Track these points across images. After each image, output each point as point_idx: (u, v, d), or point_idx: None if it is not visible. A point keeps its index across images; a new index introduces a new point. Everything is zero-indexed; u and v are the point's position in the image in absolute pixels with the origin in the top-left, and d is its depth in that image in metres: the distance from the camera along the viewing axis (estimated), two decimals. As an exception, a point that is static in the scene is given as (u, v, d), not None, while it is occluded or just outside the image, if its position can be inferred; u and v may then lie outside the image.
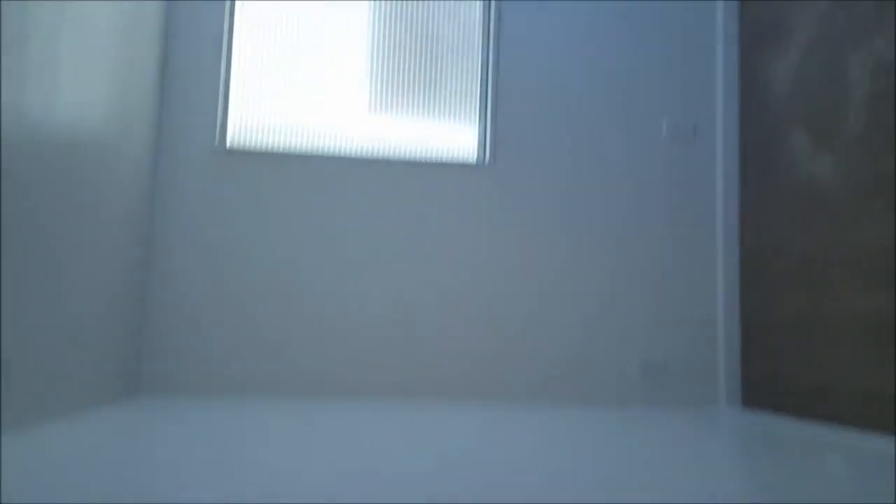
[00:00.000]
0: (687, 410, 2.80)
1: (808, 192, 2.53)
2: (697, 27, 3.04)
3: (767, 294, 2.73)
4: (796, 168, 2.60)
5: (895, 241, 2.13)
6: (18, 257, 1.65)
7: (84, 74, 1.98)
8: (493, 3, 2.92)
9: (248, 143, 2.77)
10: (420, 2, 2.91)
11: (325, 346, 2.70)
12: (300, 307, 2.71)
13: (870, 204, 2.25)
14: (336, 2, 2.86)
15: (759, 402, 2.74)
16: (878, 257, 2.21)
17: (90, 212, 2.07)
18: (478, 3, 2.94)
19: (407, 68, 2.88)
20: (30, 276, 1.72)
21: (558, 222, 2.88)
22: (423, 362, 2.75)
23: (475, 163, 2.86)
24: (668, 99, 2.99)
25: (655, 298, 2.91)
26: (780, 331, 2.64)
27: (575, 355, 2.84)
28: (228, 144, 2.76)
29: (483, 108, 2.91)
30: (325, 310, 2.72)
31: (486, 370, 2.78)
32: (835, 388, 2.35)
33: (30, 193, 1.70)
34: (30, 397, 1.75)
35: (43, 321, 1.80)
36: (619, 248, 2.91)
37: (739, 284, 2.91)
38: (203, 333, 2.65)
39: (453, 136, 2.89)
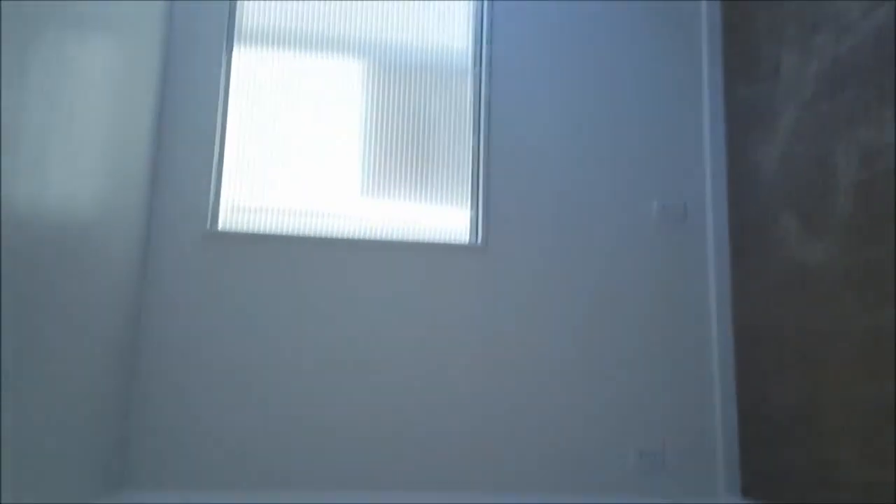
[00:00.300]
0: (686, 500, 2.73)
1: (801, 276, 2.53)
2: (685, 109, 3.09)
3: (764, 380, 2.70)
4: (787, 252, 2.61)
5: (894, 329, 2.12)
6: (4, 348, 1.62)
7: (74, 168, 1.99)
8: (482, 87, 2.97)
9: (240, 227, 2.77)
10: (411, 87, 2.96)
11: (317, 435, 2.64)
12: (292, 394, 2.66)
13: (863, 292, 2.25)
14: (329, 88, 2.91)
15: (758, 492, 2.67)
16: (874, 346, 2.19)
17: (77, 302, 2.05)
18: (469, 87, 2.99)
19: (399, 152, 2.91)
20: (14, 368, 1.68)
21: (550, 305, 2.87)
22: (414, 450, 2.69)
23: (467, 244, 2.86)
24: (657, 180, 3.03)
25: (650, 384, 2.87)
26: (778, 418, 2.60)
27: (570, 443, 2.78)
28: (220, 227, 2.75)
29: (475, 190, 2.93)
30: (316, 396, 2.67)
31: (478, 459, 2.72)
32: (835, 480, 2.30)
33: (16, 285, 1.67)
34: (10, 496, 1.69)
35: (26, 414, 1.75)
36: (612, 331, 2.89)
37: (735, 370, 2.88)
38: (191, 424, 2.59)
39: (446, 218, 2.90)
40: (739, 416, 2.83)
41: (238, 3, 2.91)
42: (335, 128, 2.89)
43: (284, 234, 2.75)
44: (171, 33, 2.80)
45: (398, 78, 2.96)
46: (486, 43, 3.01)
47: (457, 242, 2.86)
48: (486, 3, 3.04)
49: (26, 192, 1.70)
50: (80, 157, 2.01)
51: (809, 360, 2.47)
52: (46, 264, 1.84)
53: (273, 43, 2.90)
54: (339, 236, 2.78)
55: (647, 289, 2.94)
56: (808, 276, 2.49)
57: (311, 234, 2.79)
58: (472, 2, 3.07)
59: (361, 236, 2.81)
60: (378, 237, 2.82)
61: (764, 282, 2.73)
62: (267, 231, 2.77)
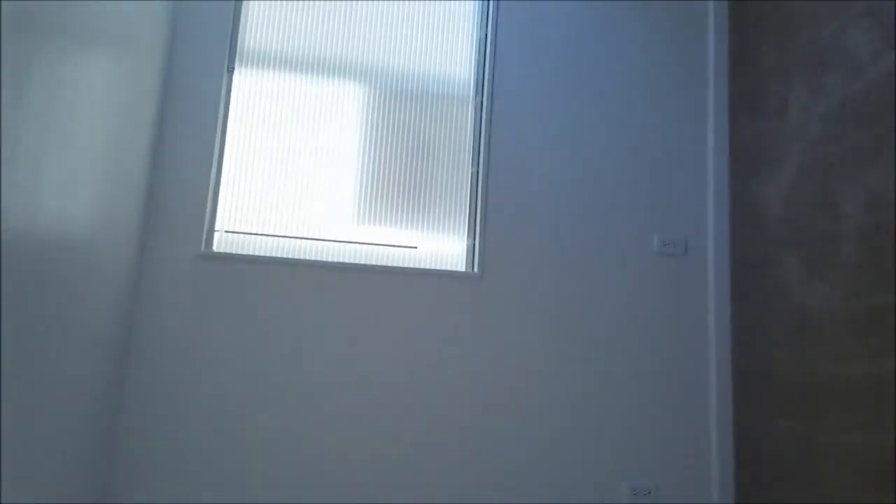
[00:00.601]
0: (679, 541, 2.67)
1: (802, 319, 2.49)
2: (688, 142, 3.06)
3: (762, 421, 2.64)
4: (789, 293, 2.57)
5: (894, 377, 2.07)
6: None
7: (70, 185, 1.95)
8: (483, 116, 2.94)
9: (235, 249, 2.73)
10: (411, 114, 2.93)
11: (309, 459, 2.59)
12: (284, 419, 2.61)
13: (866, 338, 2.20)
14: (330, 112, 2.88)
15: (754, 536, 2.62)
16: (876, 394, 2.15)
17: (69, 320, 2.01)
18: (469, 116, 2.96)
19: (397, 179, 2.88)
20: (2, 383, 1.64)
21: (546, 338, 2.82)
22: (404, 477, 2.63)
23: (464, 273, 2.82)
24: (658, 213, 2.99)
25: (646, 420, 2.82)
26: (776, 460, 2.54)
27: (562, 477, 2.72)
28: (215, 248, 2.72)
29: (472, 218, 2.89)
30: (309, 421, 2.62)
31: (469, 488, 2.66)
32: (833, 531, 2.25)
33: (6, 302, 1.64)
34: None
35: (9, 441, 1.71)
36: (608, 365, 2.84)
37: (733, 409, 2.82)
38: (181, 445, 2.54)
39: (442, 246, 2.86)
40: (736, 456, 2.77)
41: (241, 25, 2.88)
42: (334, 152, 2.86)
43: (279, 257, 2.71)
44: (172, 53, 2.78)
45: (399, 104, 2.93)
46: (489, 72, 2.98)
47: (453, 270, 2.82)
48: (489, 32, 3.02)
49: (20, 208, 1.67)
50: (76, 174, 1.98)
51: (809, 404, 2.42)
52: (39, 281, 1.80)
53: (274, 66, 2.88)
54: (335, 261, 2.74)
55: (645, 323, 2.89)
56: (811, 319, 2.45)
57: (306, 258, 2.75)
58: (475, 30, 3.04)
59: (357, 262, 2.77)
60: (373, 263, 2.78)
61: (765, 322, 2.68)
62: (262, 254, 2.73)
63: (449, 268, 2.85)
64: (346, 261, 2.78)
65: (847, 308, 2.30)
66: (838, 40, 2.45)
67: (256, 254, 2.73)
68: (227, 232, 2.75)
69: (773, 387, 2.60)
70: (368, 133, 2.89)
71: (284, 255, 2.74)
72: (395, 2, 3.00)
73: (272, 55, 2.88)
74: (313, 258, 2.76)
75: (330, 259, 2.77)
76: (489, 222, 2.87)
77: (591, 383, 2.82)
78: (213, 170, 2.75)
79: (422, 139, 2.92)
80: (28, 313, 1.79)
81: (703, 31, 3.18)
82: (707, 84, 3.12)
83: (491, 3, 3.04)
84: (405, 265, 2.81)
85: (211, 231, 2.73)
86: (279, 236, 2.77)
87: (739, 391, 2.80)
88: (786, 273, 2.60)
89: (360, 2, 2.97)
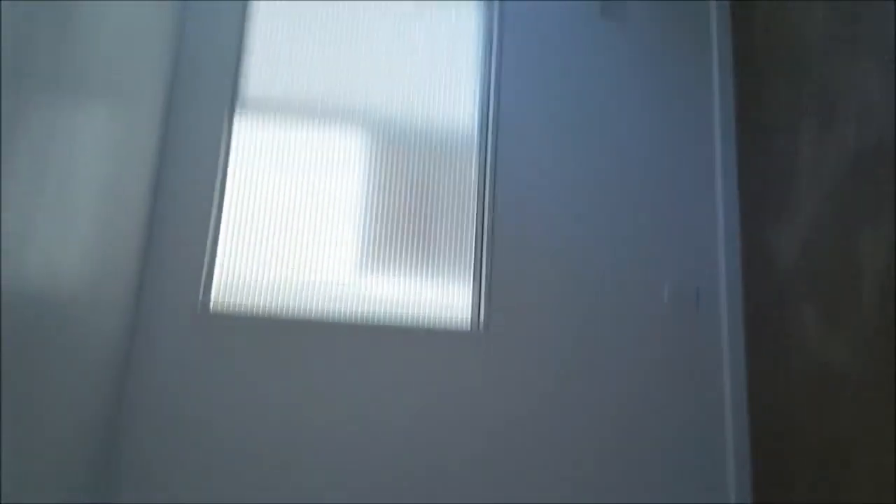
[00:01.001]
0: None
1: (822, 373, 2.39)
2: (696, 189, 3.01)
3: (784, 487, 2.52)
4: (808, 346, 2.48)
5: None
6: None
7: (61, 240, 1.87)
8: (487, 166, 2.89)
9: (234, 306, 2.63)
10: (414, 164, 2.87)
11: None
12: (284, 486, 2.47)
13: (891, 395, 2.11)
14: (328, 164, 2.82)
15: None
16: (907, 455, 2.04)
17: (57, 382, 1.90)
18: (473, 166, 2.91)
19: (400, 230, 2.81)
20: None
21: (555, 394, 2.71)
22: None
23: (469, 329, 2.72)
24: (669, 264, 2.91)
25: (662, 482, 2.69)
26: (801, 524, 2.41)
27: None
28: (212, 306, 2.62)
29: (478, 271, 2.81)
30: (310, 489, 2.48)
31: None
32: None
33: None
34: None
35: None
36: (619, 424, 2.73)
37: (752, 471, 2.70)
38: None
39: (446, 299, 2.77)
40: (757, 519, 2.64)
41: (242, 73, 2.84)
42: (336, 202, 2.79)
43: (279, 314, 2.61)
44: (172, 102, 2.73)
45: (401, 154, 2.88)
46: (492, 119, 2.94)
47: (457, 324, 2.73)
48: (493, 79, 2.99)
49: (7, 264, 1.59)
50: (67, 230, 1.90)
51: (833, 467, 2.30)
52: (25, 342, 1.70)
53: (276, 114, 2.83)
54: (336, 318, 2.64)
55: (657, 378, 2.79)
56: (831, 372, 2.35)
57: (307, 315, 2.64)
58: (478, 77, 3.01)
59: (359, 316, 2.67)
60: (375, 320, 2.68)
61: (784, 378, 2.59)
62: (262, 311, 2.63)
63: (454, 319, 2.75)
64: (348, 315, 2.68)
65: (869, 363, 2.21)
66: (847, 82, 2.42)
67: (256, 311, 2.63)
68: (226, 288, 2.65)
69: (793, 447, 2.49)
70: (371, 183, 2.83)
71: (285, 311, 2.64)
72: (398, 49, 2.97)
73: (272, 104, 2.84)
74: (315, 313, 2.65)
75: (331, 314, 2.67)
76: (494, 275, 2.78)
77: (602, 443, 2.70)
78: (212, 223, 2.67)
79: (425, 188, 2.86)
80: (14, 374, 1.68)
81: (708, 81, 3.15)
82: (713, 127, 3.09)
83: (494, 50, 3.02)
84: (409, 319, 2.71)
85: (209, 287, 2.64)
86: (279, 291, 2.67)
87: (758, 453, 2.68)
88: (803, 326, 2.51)
89: (362, 49, 2.94)
